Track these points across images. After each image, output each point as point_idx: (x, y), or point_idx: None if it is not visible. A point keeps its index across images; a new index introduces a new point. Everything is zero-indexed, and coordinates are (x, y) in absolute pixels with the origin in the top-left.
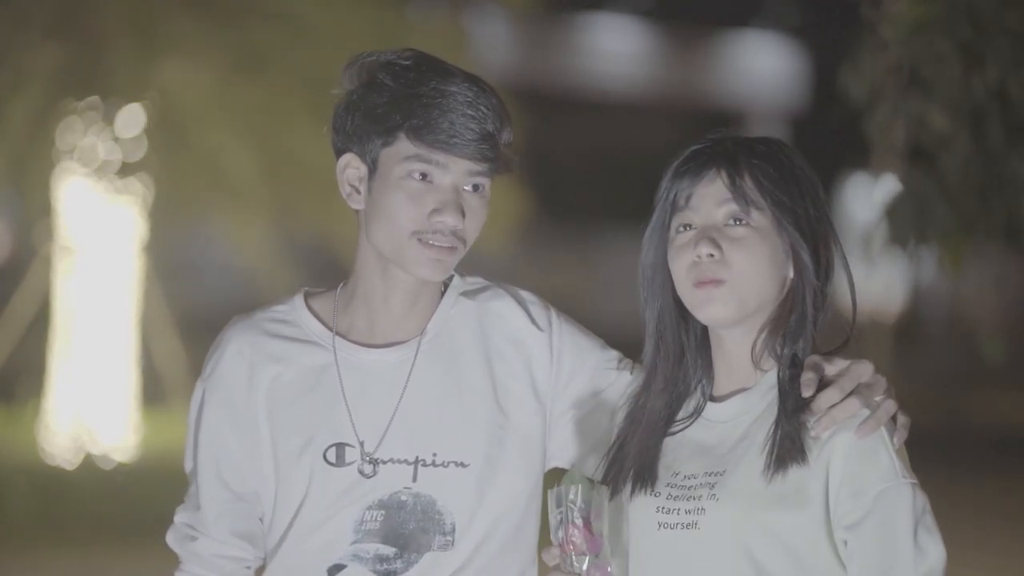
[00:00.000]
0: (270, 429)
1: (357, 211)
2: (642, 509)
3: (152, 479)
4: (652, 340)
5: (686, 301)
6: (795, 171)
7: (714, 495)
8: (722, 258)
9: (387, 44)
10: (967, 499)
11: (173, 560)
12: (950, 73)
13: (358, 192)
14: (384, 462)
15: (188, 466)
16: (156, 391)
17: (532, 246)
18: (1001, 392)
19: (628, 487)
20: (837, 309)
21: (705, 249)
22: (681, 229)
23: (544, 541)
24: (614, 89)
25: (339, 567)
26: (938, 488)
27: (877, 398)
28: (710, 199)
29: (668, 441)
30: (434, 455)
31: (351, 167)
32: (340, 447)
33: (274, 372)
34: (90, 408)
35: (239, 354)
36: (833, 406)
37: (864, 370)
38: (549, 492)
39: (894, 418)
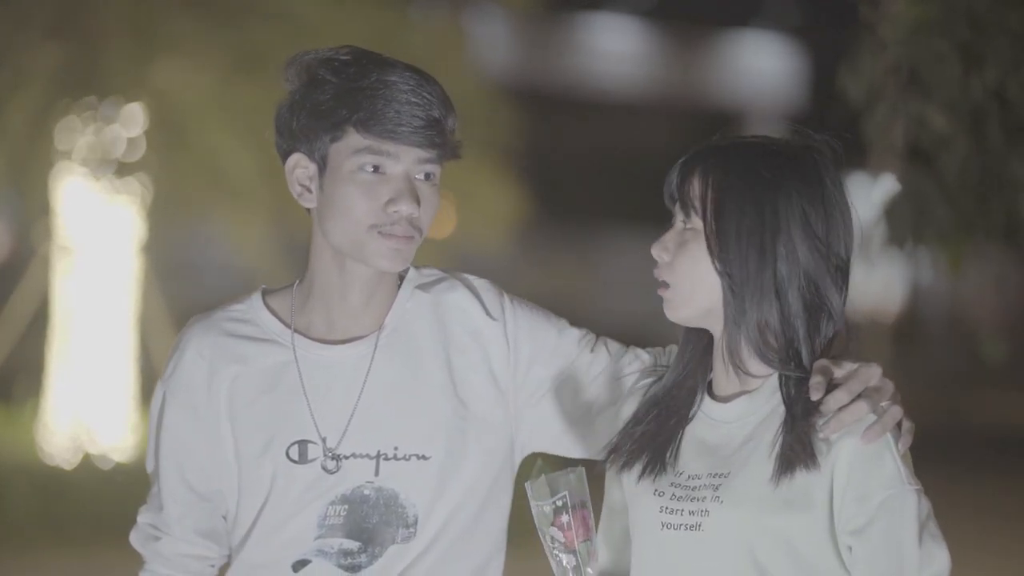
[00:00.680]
0: (232, 429)
1: (309, 210)
2: (646, 507)
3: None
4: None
5: None
6: (757, 179)
7: (718, 497)
8: (672, 261)
9: (387, 44)
10: (967, 499)
11: None
12: (949, 73)
13: (309, 191)
14: (346, 457)
15: (150, 466)
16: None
17: (532, 246)
18: (1000, 392)
19: (638, 468)
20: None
21: (655, 251)
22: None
23: (517, 529)
24: (614, 89)
25: (304, 562)
26: (938, 488)
27: (884, 403)
28: (677, 199)
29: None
30: (395, 449)
31: (300, 167)
32: (302, 444)
33: (234, 372)
34: (89, 408)
35: (199, 356)
36: (842, 408)
37: (872, 373)
38: (528, 485)
39: (899, 424)
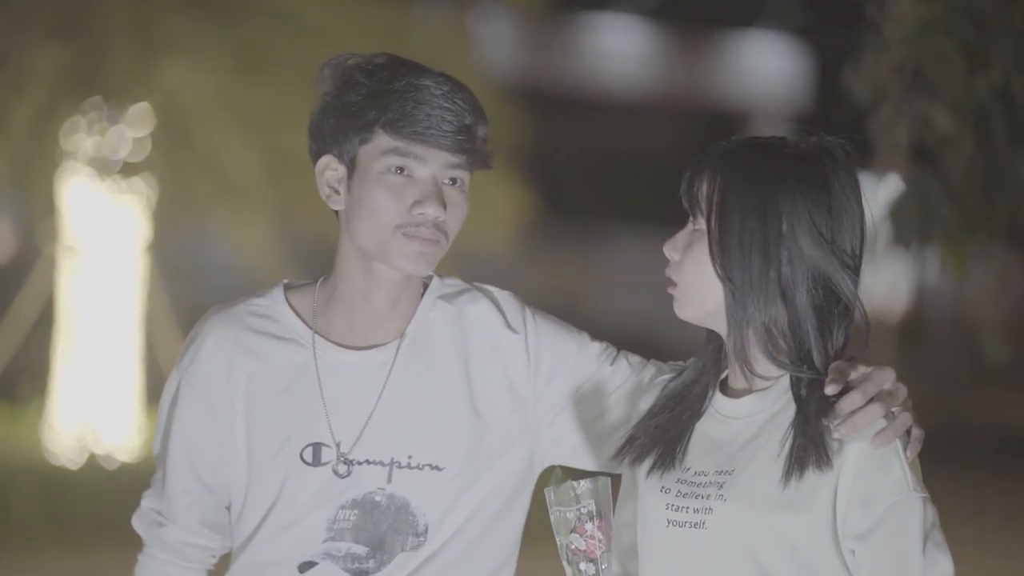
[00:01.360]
0: (246, 426)
1: (337, 212)
2: (652, 504)
3: None
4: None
5: None
6: (760, 181)
7: (722, 495)
8: (680, 261)
9: (388, 44)
10: (969, 498)
11: None
12: (954, 73)
13: (337, 193)
14: (359, 463)
15: (156, 451)
16: (160, 391)
17: (535, 246)
18: (1004, 392)
19: (649, 463)
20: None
21: (666, 250)
22: None
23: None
24: (618, 89)
25: (310, 564)
26: (940, 487)
27: (895, 408)
28: (685, 199)
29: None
30: (409, 457)
31: (330, 169)
32: (316, 447)
33: (252, 368)
34: (94, 408)
35: (219, 349)
36: (855, 411)
37: (886, 376)
38: (549, 491)
39: (909, 430)
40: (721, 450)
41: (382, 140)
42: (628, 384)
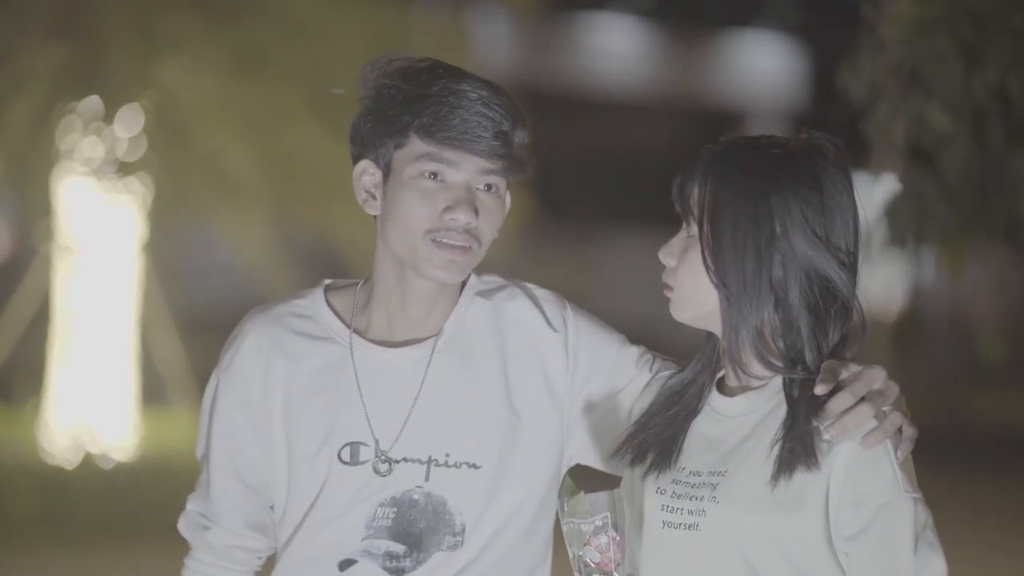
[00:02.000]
0: (285, 427)
1: (375, 217)
2: (648, 506)
3: (152, 479)
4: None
5: None
6: (751, 183)
7: (715, 497)
8: (676, 266)
9: (387, 44)
10: (965, 498)
11: (173, 559)
12: (950, 72)
13: (374, 198)
14: (398, 461)
15: (200, 453)
16: (156, 391)
17: (533, 245)
18: (1000, 392)
19: (646, 463)
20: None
21: (661, 255)
22: None
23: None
24: (615, 88)
25: (350, 562)
26: (936, 487)
27: (885, 408)
28: (678, 205)
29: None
30: (447, 455)
31: (367, 173)
32: (354, 446)
33: (290, 369)
34: (90, 408)
35: (257, 349)
36: (845, 411)
37: (876, 375)
38: (563, 501)
39: (900, 430)
40: (715, 449)
41: (416, 145)
42: None
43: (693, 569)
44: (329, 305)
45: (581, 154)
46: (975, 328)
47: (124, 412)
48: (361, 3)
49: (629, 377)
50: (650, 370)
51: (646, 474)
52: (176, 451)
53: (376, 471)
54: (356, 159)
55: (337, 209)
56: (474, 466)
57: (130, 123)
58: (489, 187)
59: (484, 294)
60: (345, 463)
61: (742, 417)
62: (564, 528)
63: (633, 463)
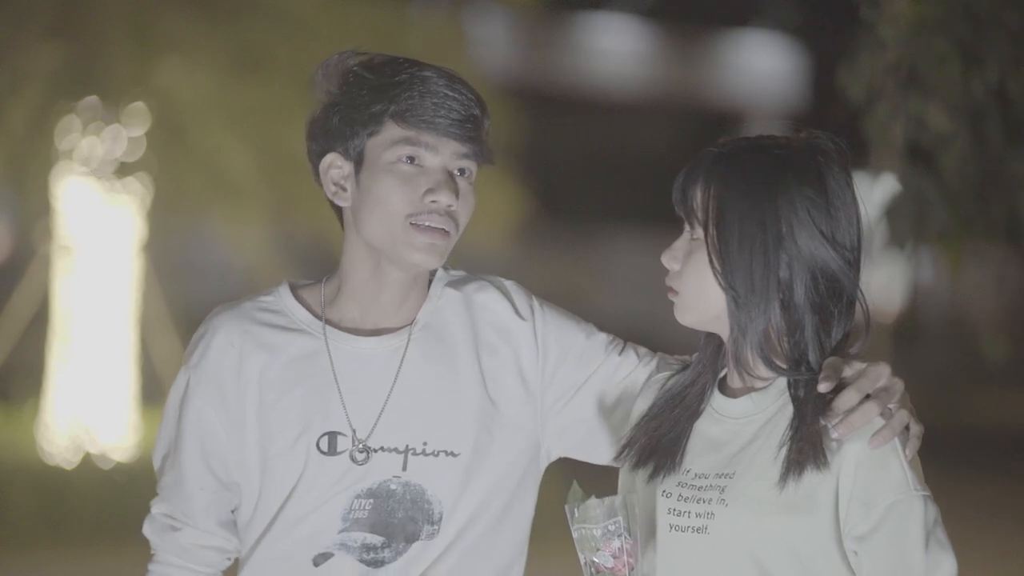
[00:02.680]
0: (259, 420)
1: (343, 210)
2: (654, 508)
3: (151, 479)
4: None
5: None
6: (755, 184)
7: (723, 499)
8: (680, 270)
9: (385, 43)
10: (965, 497)
11: None
12: (949, 72)
13: (344, 190)
14: (375, 450)
15: (161, 454)
16: (155, 390)
17: (531, 245)
18: (1000, 392)
19: (649, 467)
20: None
21: (665, 259)
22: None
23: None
24: (613, 88)
25: (326, 556)
26: (936, 486)
27: (891, 405)
28: (681, 210)
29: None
30: (424, 444)
31: (334, 167)
32: (332, 436)
33: (263, 361)
34: (89, 407)
35: (229, 344)
36: (851, 410)
37: (881, 372)
38: (571, 507)
39: (907, 428)
40: (719, 451)
41: (391, 131)
42: (636, 374)
43: (701, 571)
44: (298, 299)
45: (579, 154)
46: (974, 328)
47: (123, 412)
48: (359, 3)
49: (599, 362)
50: (620, 354)
51: (650, 478)
52: None
53: (353, 460)
54: (320, 155)
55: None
56: (452, 454)
57: (129, 123)
58: (463, 171)
59: (453, 285)
60: (323, 453)
61: (746, 418)
62: (575, 535)
63: (636, 467)
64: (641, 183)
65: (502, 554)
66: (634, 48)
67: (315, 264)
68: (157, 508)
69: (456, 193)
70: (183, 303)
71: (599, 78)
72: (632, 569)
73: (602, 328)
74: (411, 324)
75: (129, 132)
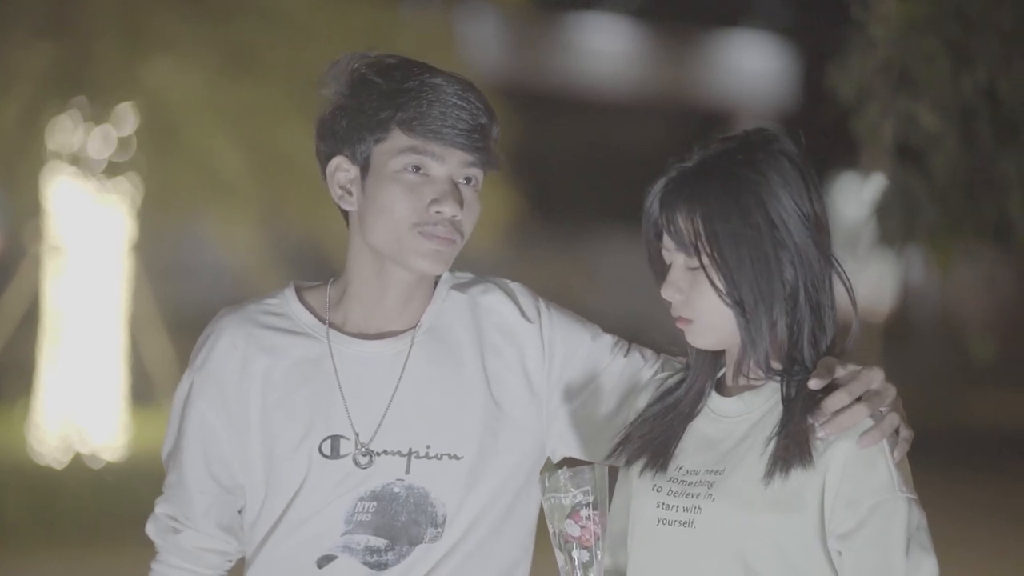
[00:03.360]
0: (262, 423)
1: (348, 213)
2: (644, 502)
3: (141, 478)
4: None
5: None
6: (740, 194)
7: (711, 495)
8: (686, 299)
9: (377, 43)
10: (959, 497)
11: None
12: (939, 72)
13: (350, 194)
14: (378, 454)
15: (166, 454)
16: (145, 390)
17: (522, 246)
18: (990, 391)
19: (641, 463)
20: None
21: (668, 294)
22: (667, 260)
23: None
24: (604, 88)
25: (329, 558)
26: (929, 486)
27: (882, 408)
28: (671, 241)
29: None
30: (428, 447)
31: (341, 169)
32: (335, 439)
33: (267, 364)
34: (79, 407)
35: (233, 347)
36: (841, 410)
37: (874, 376)
38: (544, 477)
39: (897, 431)
40: (713, 449)
41: (398, 139)
42: (641, 376)
43: (688, 566)
44: (302, 302)
45: (570, 153)
46: (964, 327)
47: (113, 412)
48: (350, 2)
49: (605, 364)
50: (625, 355)
51: (642, 472)
52: None
53: (356, 463)
54: (327, 156)
55: (327, 209)
56: (455, 457)
57: (120, 123)
58: (469, 180)
59: (459, 288)
60: (326, 456)
61: (739, 417)
62: (545, 505)
63: (628, 464)
64: (632, 183)
65: (506, 555)
66: (625, 48)
67: (307, 264)
68: (160, 508)
69: (461, 203)
70: (173, 303)
71: (590, 78)
72: (599, 539)
73: None
74: (415, 327)
75: (119, 132)
